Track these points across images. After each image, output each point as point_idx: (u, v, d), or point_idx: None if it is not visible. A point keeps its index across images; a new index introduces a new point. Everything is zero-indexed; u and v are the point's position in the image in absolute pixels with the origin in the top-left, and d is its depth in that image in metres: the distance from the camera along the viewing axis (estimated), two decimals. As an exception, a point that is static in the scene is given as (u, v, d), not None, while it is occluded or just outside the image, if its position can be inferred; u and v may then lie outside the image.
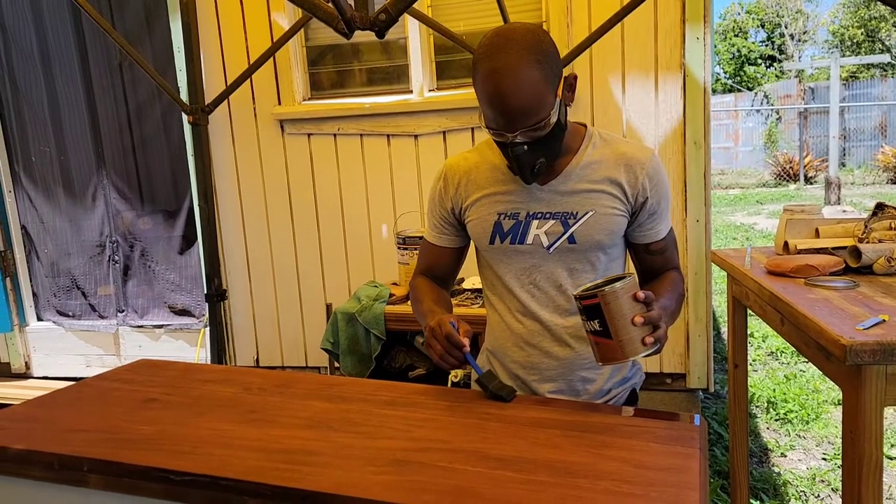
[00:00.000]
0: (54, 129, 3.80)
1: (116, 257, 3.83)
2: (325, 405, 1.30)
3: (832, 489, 2.72)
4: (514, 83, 1.23)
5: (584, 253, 1.41)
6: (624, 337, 1.15)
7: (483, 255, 1.51)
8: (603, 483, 0.97)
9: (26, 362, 4.08)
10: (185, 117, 3.20)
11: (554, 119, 1.28)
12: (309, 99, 3.40)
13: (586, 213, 1.39)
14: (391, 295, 2.75)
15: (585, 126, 1.46)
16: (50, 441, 1.17)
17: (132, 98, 3.66)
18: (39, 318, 4.08)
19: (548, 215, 1.40)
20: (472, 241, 1.54)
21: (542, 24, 3.03)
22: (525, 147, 1.29)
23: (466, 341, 1.30)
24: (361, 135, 3.27)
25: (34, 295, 4.06)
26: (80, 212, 3.86)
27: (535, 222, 1.41)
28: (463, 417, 1.23)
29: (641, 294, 1.16)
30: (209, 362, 3.37)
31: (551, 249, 1.41)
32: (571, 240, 1.39)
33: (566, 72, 1.41)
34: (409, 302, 2.70)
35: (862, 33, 21.28)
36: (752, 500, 2.53)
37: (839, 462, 2.89)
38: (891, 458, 2.93)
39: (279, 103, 3.36)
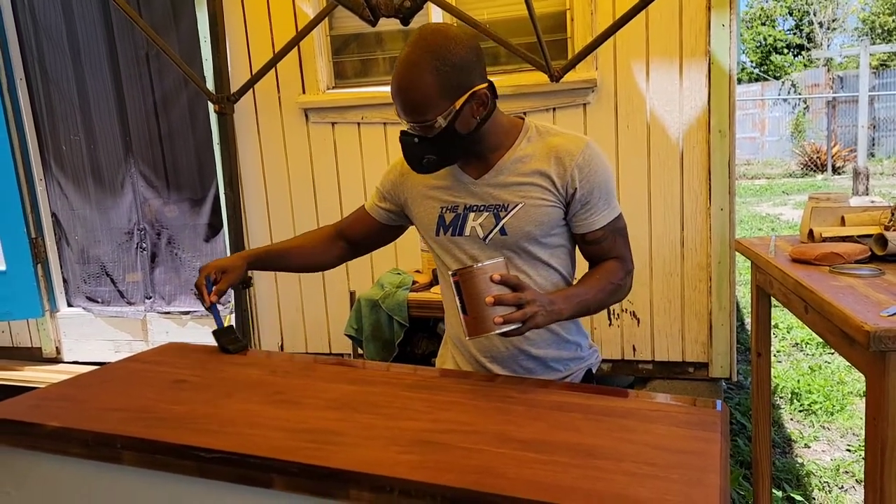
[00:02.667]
0: (83, 118, 3.87)
1: (144, 244, 3.90)
2: (349, 388, 1.32)
3: (856, 480, 2.70)
4: (407, 79, 1.33)
5: (517, 244, 1.46)
6: (476, 314, 1.24)
7: (431, 246, 1.58)
8: (624, 465, 0.98)
9: (57, 347, 4.17)
10: (210, 106, 3.24)
11: (441, 124, 1.36)
12: (333, 88, 3.42)
13: (516, 205, 1.44)
14: (414, 282, 2.77)
15: (524, 119, 1.51)
16: (84, 419, 1.20)
17: (159, 87, 3.72)
18: (69, 304, 4.17)
19: (482, 208, 1.48)
20: (418, 232, 1.64)
21: (565, 12, 3.01)
22: (415, 139, 1.40)
23: (214, 297, 1.53)
24: (385, 123, 3.29)
25: (64, 281, 4.15)
26: (108, 200, 3.93)
27: (472, 215, 1.49)
28: (485, 401, 1.25)
29: (497, 276, 1.23)
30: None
31: (487, 241, 1.47)
32: (503, 231, 1.45)
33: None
34: (432, 289, 2.72)
35: (893, 20, 20.79)
36: (774, 490, 2.53)
37: (864, 453, 2.86)
38: (917, 451, 2.89)
39: (303, 92, 3.38)
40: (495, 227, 1.46)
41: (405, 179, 1.58)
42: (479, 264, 1.25)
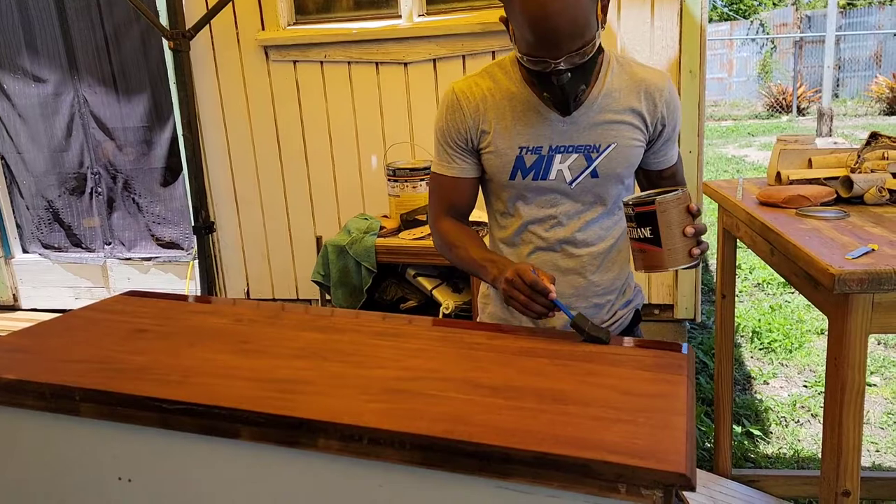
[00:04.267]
0: (29, 55, 3.68)
1: (99, 189, 3.78)
2: (316, 336, 1.30)
3: (812, 414, 2.81)
4: (562, 3, 1.13)
5: (604, 186, 1.38)
6: (672, 246, 1.17)
7: (495, 190, 1.43)
8: (591, 409, 0.99)
9: (14, 294, 4.07)
10: (165, 43, 3.09)
11: (598, 42, 1.21)
12: (294, 24, 3.29)
13: (609, 145, 1.34)
14: (382, 227, 2.74)
15: (604, 49, 1.35)
16: (41, 371, 1.16)
17: (109, 22, 3.53)
18: (25, 251, 4.05)
19: (570, 149, 1.35)
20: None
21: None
22: (569, 75, 1.21)
23: (552, 287, 1.23)
24: (349, 62, 3.18)
25: (18, 227, 4.01)
26: (58, 142, 3.77)
27: (558, 157, 1.35)
28: (454, 347, 1.24)
29: (694, 206, 1.17)
30: (199, 295, 3.37)
31: (573, 184, 1.37)
32: (594, 174, 1.36)
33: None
34: (400, 235, 2.69)
35: (862, -41, 20.69)
36: (734, 426, 2.61)
37: (820, 389, 2.97)
38: (870, 385, 3.01)
39: (263, 29, 3.25)
40: (586, 169, 1.35)
41: (476, 119, 1.37)
42: (676, 193, 1.16)
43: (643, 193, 1.22)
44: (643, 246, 1.19)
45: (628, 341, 1.28)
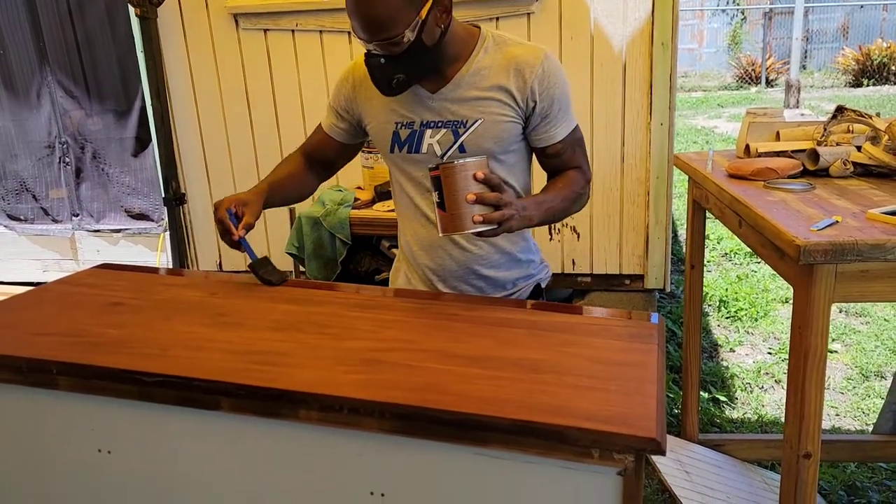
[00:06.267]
0: (-11, 22, 3.56)
1: (67, 159, 3.69)
2: (293, 308, 1.31)
3: (775, 380, 2.90)
4: None
5: None
6: (456, 211, 1.22)
7: (387, 164, 1.55)
8: (566, 378, 1.02)
9: (-21, 267, 3.99)
10: (131, 9, 3.01)
11: (410, 38, 1.28)
12: (264, -9, 3.22)
13: (476, 121, 1.40)
14: (356, 199, 2.73)
15: (480, 28, 1.44)
16: (16, 345, 1.16)
17: (73, -13, 3.43)
18: (-11, 222, 3.96)
19: (440, 124, 1.42)
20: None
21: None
22: (382, 60, 1.32)
23: (242, 231, 1.39)
24: (321, 31, 3.13)
25: (-18, 198, 3.92)
26: (24, 111, 3.67)
27: (429, 131, 1.43)
28: (430, 318, 1.26)
29: (481, 175, 1.21)
30: (170, 266, 3.34)
31: (444, 158, 1.42)
32: (462, 149, 1.41)
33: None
34: (374, 206, 2.69)
35: (832, -70, 20.77)
36: (701, 392, 2.69)
37: (783, 356, 3.06)
38: (831, 352, 3.11)
39: (232, -5, 3.18)
40: (454, 144, 1.41)
41: (358, 93, 1.50)
42: (462, 160, 1.21)
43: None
44: (437, 210, 1.24)
45: (602, 312, 1.31)
